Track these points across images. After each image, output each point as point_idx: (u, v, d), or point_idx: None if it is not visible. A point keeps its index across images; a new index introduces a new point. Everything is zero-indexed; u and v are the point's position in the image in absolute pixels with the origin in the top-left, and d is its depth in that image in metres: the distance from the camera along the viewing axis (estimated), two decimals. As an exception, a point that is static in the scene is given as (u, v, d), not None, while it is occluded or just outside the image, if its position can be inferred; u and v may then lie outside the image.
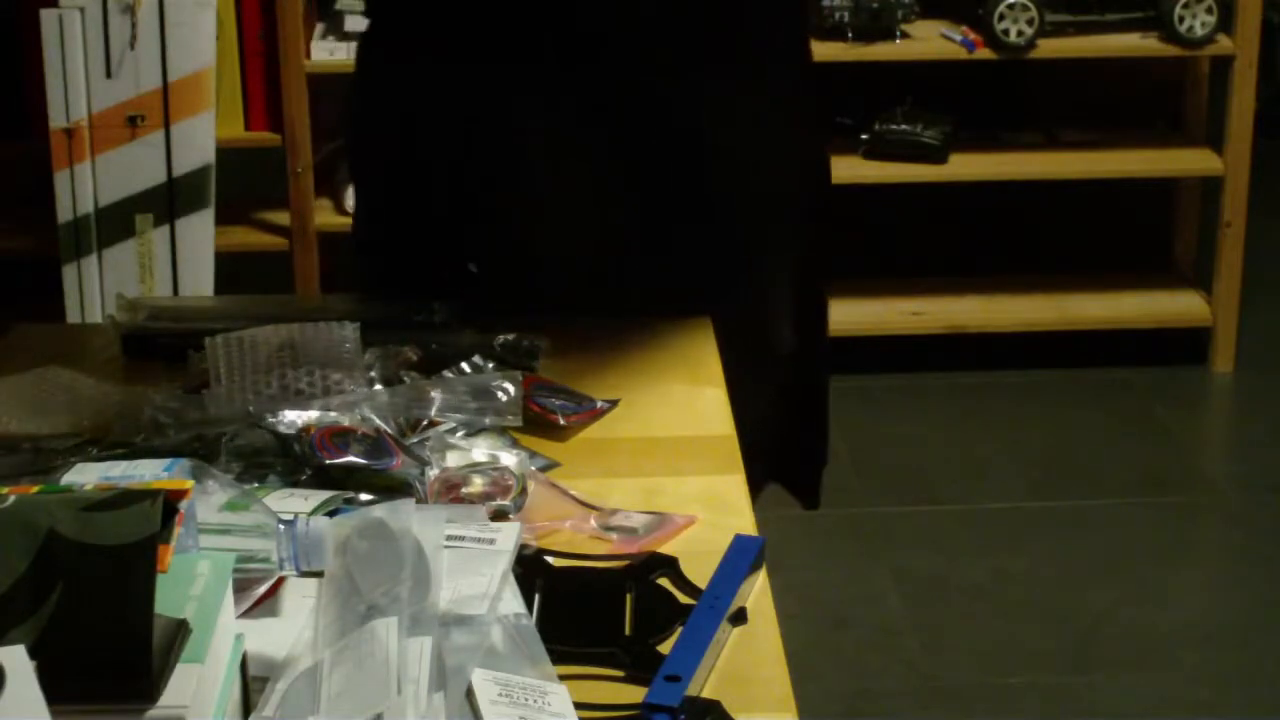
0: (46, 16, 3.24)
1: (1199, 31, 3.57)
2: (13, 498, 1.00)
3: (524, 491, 1.35)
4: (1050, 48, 3.59)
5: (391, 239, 1.80)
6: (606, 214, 1.72)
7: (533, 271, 1.73)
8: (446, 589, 1.16)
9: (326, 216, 3.57)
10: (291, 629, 1.13)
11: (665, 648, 1.18)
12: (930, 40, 3.61)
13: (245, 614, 1.13)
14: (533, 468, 1.39)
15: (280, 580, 1.17)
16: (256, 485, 1.31)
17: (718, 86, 1.71)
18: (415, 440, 1.42)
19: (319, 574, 1.18)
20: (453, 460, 1.37)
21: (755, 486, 1.91)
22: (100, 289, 3.34)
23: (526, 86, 1.68)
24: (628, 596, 1.24)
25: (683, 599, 1.24)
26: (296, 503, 1.25)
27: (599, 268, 1.73)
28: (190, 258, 3.36)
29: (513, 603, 1.18)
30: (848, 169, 3.68)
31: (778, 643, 1.22)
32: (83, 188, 3.31)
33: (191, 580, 1.02)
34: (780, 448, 1.93)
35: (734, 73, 1.72)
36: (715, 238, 1.75)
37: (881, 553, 3.17)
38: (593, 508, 1.36)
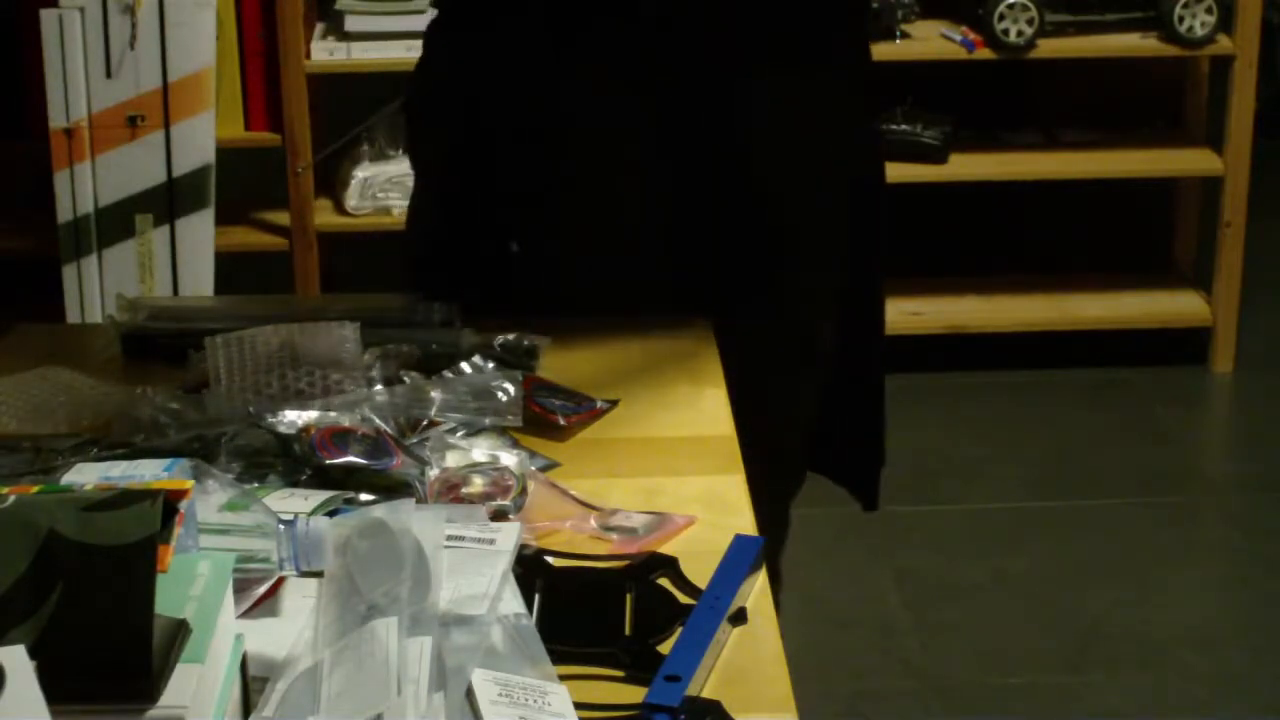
0: (46, 16, 3.24)
1: (1199, 31, 3.57)
2: (13, 498, 1.00)
3: (524, 491, 1.35)
4: (1050, 48, 3.59)
5: (446, 218, 1.81)
6: (651, 207, 1.72)
7: (573, 260, 1.73)
8: (446, 589, 1.16)
9: (326, 216, 3.57)
10: (291, 629, 1.13)
11: (665, 648, 1.18)
12: (930, 40, 3.61)
13: (245, 614, 1.13)
14: (533, 468, 1.39)
15: (280, 580, 1.17)
16: (256, 485, 1.31)
17: (772, 84, 1.71)
18: (415, 440, 1.42)
19: (319, 574, 1.18)
20: (453, 460, 1.37)
21: (797, 484, 1.92)
22: (100, 289, 3.34)
23: (585, 73, 1.69)
24: (628, 596, 1.24)
25: (683, 599, 1.24)
26: (296, 503, 1.25)
27: (639, 261, 1.73)
28: (190, 258, 3.36)
29: (513, 603, 1.18)
30: (848, 169, 3.67)
31: (778, 643, 1.22)
32: (83, 188, 3.31)
33: (191, 580, 1.02)
34: (837, 448, 1.93)
35: (789, 70, 1.72)
36: (757, 235, 1.75)
37: (881, 553, 3.16)
38: (593, 508, 1.36)
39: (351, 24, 3.43)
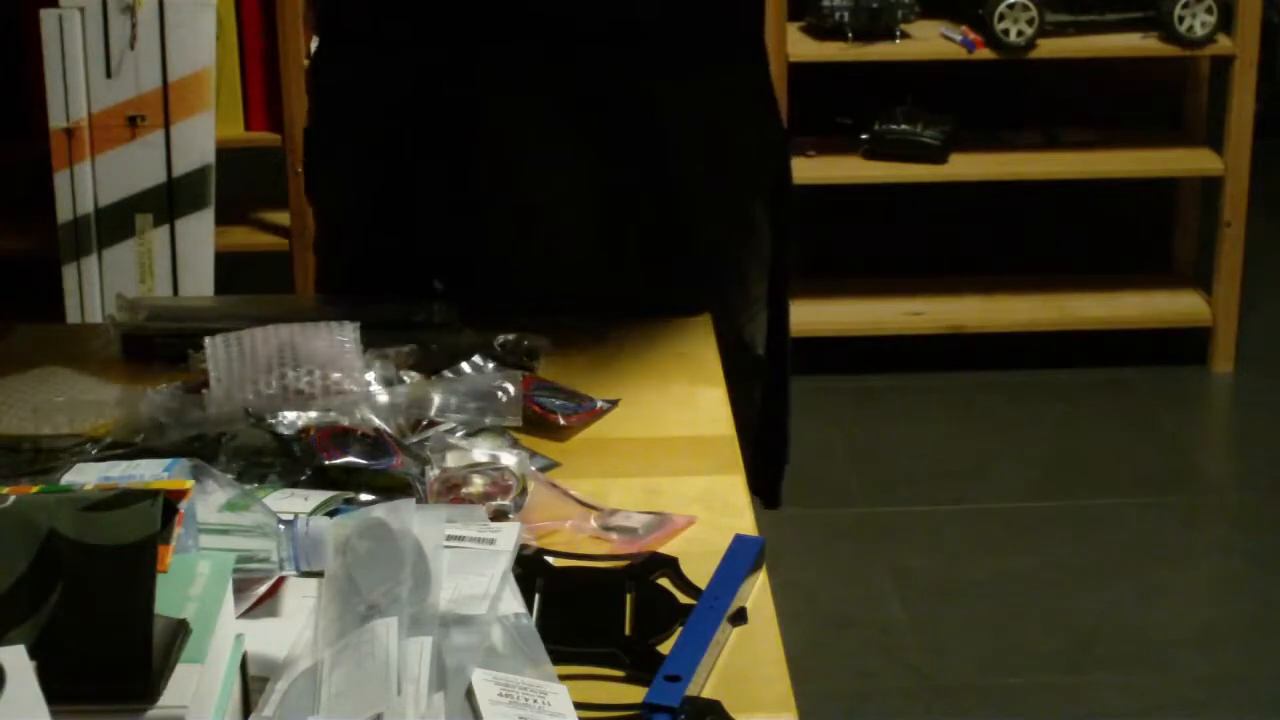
0: (46, 16, 3.24)
1: (1199, 31, 3.57)
2: (13, 498, 1.00)
3: (524, 491, 1.35)
4: (1050, 48, 3.59)
5: (359, 251, 1.80)
6: (577, 219, 1.72)
7: (502, 278, 1.73)
8: (446, 589, 1.16)
9: (326, 216, 3.56)
10: (291, 629, 1.13)
11: (665, 648, 1.18)
12: (930, 40, 3.61)
13: (245, 614, 1.13)
14: (533, 468, 1.39)
15: (280, 580, 1.17)
16: (256, 485, 1.31)
17: (683, 90, 1.72)
18: (415, 440, 1.42)
19: (319, 574, 1.18)
20: (453, 460, 1.37)
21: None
22: (100, 289, 3.34)
23: (496, 84, 1.68)
24: (628, 596, 1.24)
25: (683, 599, 1.24)
26: (296, 503, 1.25)
27: (569, 274, 1.73)
28: (190, 258, 3.36)
29: (513, 603, 1.18)
30: (848, 169, 3.68)
31: (778, 643, 1.22)
32: (83, 188, 3.31)
33: (191, 580, 1.02)
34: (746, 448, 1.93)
35: (699, 76, 1.73)
36: (691, 238, 1.75)
37: (881, 553, 3.17)
38: (593, 508, 1.36)
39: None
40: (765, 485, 1.98)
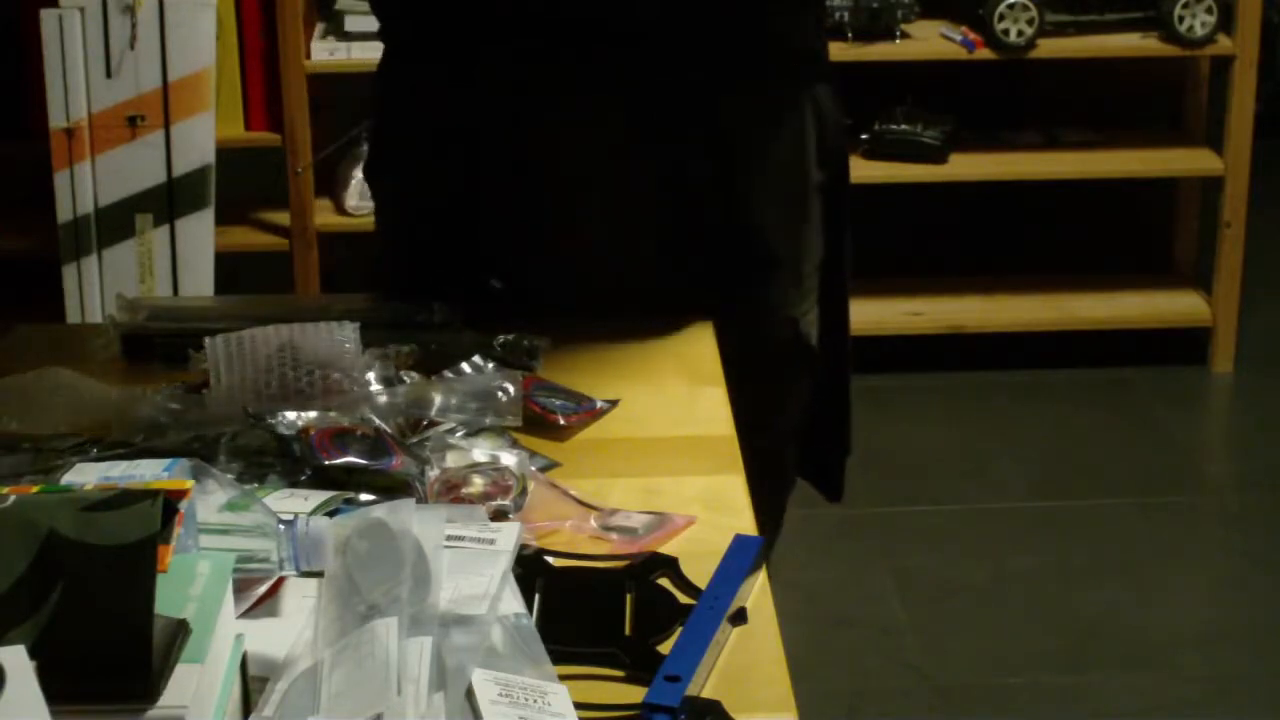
0: (46, 16, 3.24)
1: (1199, 31, 3.57)
2: (13, 498, 1.00)
3: (524, 491, 1.35)
4: (1050, 48, 3.59)
5: (416, 253, 1.80)
6: (631, 220, 1.72)
7: (556, 280, 1.73)
8: (446, 589, 1.16)
9: (326, 216, 3.57)
10: (291, 629, 1.13)
11: (665, 648, 1.18)
12: (930, 40, 3.61)
13: (245, 614, 1.13)
14: (533, 468, 1.39)
15: (280, 580, 1.17)
16: (256, 485, 1.31)
17: (743, 84, 1.71)
18: (415, 440, 1.41)
19: (319, 574, 1.18)
20: (453, 460, 1.37)
21: (789, 484, 1.93)
22: (100, 289, 3.34)
23: (554, 86, 1.68)
24: (628, 596, 1.24)
25: (683, 599, 1.24)
26: (296, 503, 1.25)
27: (622, 275, 1.72)
28: (190, 258, 3.36)
29: (513, 603, 1.18)
30: (848, 169, 3.68)
31: (778, 643, 1.22)
32: (83, 188, 3.31)
33: (191, 580, 1.02)
34: (802, 441, 1.94)
35: (758, 70, 1.72)
36: (746, 235, 1.75)
37: (881, 553, 3.17)
38: (593, 508, 1.36)
39: (351, 24, 3.43)
40: (826, 477, 1.99)
